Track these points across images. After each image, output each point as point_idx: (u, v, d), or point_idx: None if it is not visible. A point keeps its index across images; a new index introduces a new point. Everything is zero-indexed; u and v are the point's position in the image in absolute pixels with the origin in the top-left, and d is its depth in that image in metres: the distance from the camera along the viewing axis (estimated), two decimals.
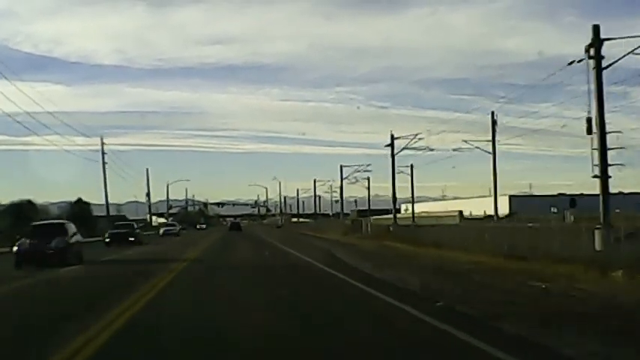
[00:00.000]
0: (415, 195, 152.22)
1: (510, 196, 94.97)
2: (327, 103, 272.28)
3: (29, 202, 60.31)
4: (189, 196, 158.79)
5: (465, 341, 8.23)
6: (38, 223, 28.98)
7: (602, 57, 20.20)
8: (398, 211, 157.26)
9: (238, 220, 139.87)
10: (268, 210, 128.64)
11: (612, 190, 21.14)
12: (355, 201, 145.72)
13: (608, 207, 20.54)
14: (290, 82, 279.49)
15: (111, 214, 79.91)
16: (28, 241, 24.09)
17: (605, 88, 20.43)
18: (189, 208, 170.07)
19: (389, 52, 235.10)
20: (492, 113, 41.47)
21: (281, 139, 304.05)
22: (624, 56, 20.26)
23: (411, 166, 69.16)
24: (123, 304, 12.25)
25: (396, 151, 48.97)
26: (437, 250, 26.06)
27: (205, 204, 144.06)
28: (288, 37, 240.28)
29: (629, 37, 20.55)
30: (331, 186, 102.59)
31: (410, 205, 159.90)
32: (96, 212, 75.27)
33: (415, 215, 74.04)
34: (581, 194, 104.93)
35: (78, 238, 27.07)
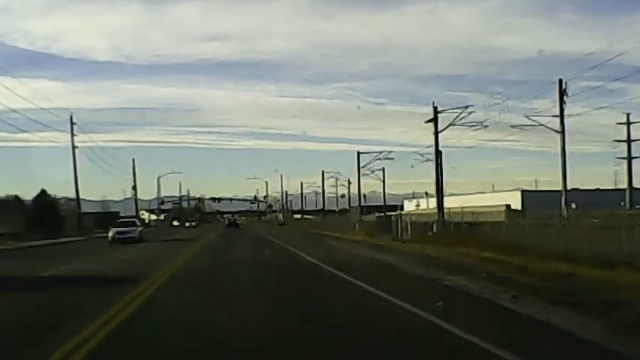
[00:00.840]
0: (414, 191, 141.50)
1: (522, 191, 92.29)
2: (324, 100, 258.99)
3: (16, 197, 60.78)
4: (186, 192, 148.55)
5: None
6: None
7: None
8: (401, 207, 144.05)
9: (236, 216, 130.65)
10: (270, 205, 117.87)
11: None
12: (364, 195, 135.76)
13: None
14: (287, 79, 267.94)
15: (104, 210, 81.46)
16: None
17: None
18: (185, 204, 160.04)
19: (386, 48, 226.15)
20: None
21: (278, 136, 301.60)
22: None
23: (439, 153, 58.05)
24: None
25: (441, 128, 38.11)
26: (577, 267, 15.37)
27: (200, 199, 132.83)
28: (285, 33, 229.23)
29: None
30: (337, 179, 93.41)
31: (416, 201, 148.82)
32: (91, 209, 74.60)
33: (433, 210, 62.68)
34: (598, 189, 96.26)
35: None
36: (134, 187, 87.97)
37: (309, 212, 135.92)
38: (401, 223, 41.32)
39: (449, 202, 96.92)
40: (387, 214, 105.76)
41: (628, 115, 63.75)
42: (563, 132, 33.79)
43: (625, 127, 64.43)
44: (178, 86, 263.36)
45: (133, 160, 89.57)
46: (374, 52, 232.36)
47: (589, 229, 20.18)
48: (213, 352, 7.88)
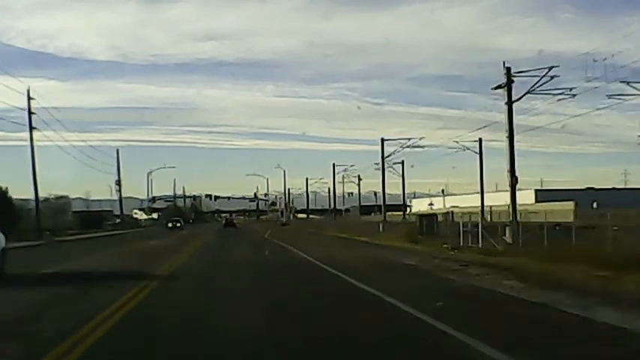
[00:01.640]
0: (416, 192, 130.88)
1: (536, 190, 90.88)
2: (321, 100, 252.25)
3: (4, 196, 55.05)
4: (180, 190, 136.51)
5: None
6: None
7: None
8: (406, 207, 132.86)
9: (233, 216, 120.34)
10: (273, 203, 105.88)
11: None
12: (375, 193, 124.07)
13: None
14: (285, 79, 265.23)
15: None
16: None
17: None
18: (181, 203, 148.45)
19: (384, 48, 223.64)
20: None
21: (276, 136, 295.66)
22: None
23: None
24: None
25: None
26: None
27: (195, 197, 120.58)
28: (283, 33, 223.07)
29: None
30: (344, 177, 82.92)
31: (429, 200, 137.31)
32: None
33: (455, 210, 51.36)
34: (614, 188, 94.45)
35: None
36: (118, 182, 76.11)
37: (312, 212, 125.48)
38: (462, 226, 29.42)
39: (464, 202, 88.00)
40: (389, 213, 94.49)
41: None
42: None
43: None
44: (176, 86, 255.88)
45: (117, 151, 77.95)
46: (372, 52, 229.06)
47: None
48: None
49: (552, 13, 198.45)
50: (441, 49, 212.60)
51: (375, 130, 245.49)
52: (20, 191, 60.86)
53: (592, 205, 61.27)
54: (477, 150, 52.84)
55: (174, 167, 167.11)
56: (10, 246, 17.87)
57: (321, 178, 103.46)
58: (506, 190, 30.37)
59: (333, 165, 79.42)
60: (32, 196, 49.34)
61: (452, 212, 39.35)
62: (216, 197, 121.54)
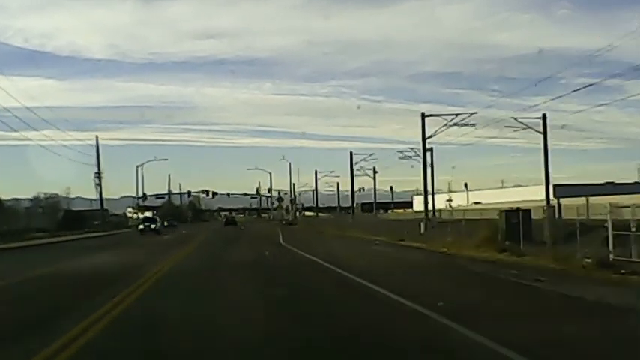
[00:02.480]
0: (417, 188, 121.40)
1: (554, 185, 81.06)
2: (320, 97, 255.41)
3: None
4: (176, 188, 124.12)
5: None
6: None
7: None
8: (410, 205, 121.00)
9: (234, 214, 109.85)
10: (280, 199, 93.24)
11: None
12: (392, 189, 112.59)
13: None
14: (283, 77, 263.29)
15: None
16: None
17: None
18: (177, 200, 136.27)
19: (382, 45, 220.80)
20: None
21: (275, 133, 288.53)
22: None
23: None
24: None
25: None
26: None
27: (190, 193, 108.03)
28: (281, 31, 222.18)
29: None
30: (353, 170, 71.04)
31: (448, 196, 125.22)
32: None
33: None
34: (635, 182, 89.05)
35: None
36: (98, 175, 63.87)
37: (320, 209, 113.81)
38: (610, 228, 17.36)
39: (492, 198, 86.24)
40: (396, 211, 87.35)
41: None
42: None
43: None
44: (175, 84, 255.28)
45: (96, 137, 65.66)
46: (370, 50, 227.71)
47: None
48: None
49: (550, 10, 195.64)
50: (439, 46, 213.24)
51: (374, 128, 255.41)
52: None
53: None
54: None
55: (166, 159, 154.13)
56: None
57: (332, 171, 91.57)
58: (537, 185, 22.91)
59: (351, 154, 67.15)
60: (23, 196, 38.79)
61: (554, 207, 27.20)
62: (214, 194, 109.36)
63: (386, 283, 13.74)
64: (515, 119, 40.84)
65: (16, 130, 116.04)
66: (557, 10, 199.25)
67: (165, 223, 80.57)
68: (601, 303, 10.75)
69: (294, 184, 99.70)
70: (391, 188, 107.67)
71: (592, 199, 40.14)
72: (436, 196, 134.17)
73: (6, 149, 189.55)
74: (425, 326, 8.76)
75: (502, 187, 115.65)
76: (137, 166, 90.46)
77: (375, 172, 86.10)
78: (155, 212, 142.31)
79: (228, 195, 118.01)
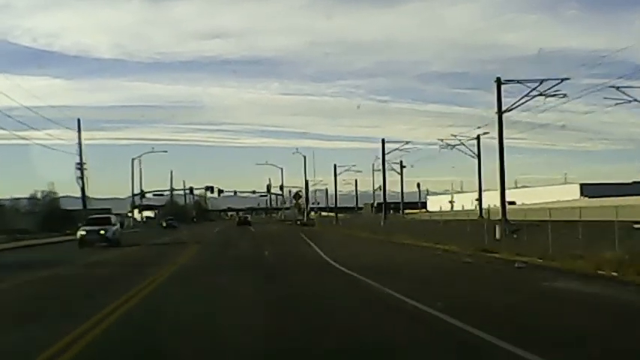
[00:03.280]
0: (427, 189, 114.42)
1: (582, 184, 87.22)
2: (327, 97, 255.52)
3: None
4: (185, 185, 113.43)
5: None
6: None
7: None
8: (424, 205, 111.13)
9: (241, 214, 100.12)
10: (298, 195, 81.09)
11: None
12: (420, 186, 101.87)
13: None
14: (290, 77, 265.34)
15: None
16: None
17: None
18: (180, 199, 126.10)
19: (388, 46, 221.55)
20: None
21: (281, 133, 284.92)
22: None
23: None
24: None
25: None
26: None
27: (192, 189, 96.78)
28: (287, 31, 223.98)
29: None
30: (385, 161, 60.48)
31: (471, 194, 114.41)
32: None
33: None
34: None
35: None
36: (79, 166, 53.05)
37: (331, 210, 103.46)
38: None
39: (514, 198, 79.37)
40: (407, 212, 78.53)
41: None
42: None
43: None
44: (181, 84, 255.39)
45: (79, 121, 54.92)
46: (377, 50, 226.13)
47: None
48: None
49: (556, 10, 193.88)
50: (445, 47, 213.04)
51: (380, 128, 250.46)
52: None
53: None
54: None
55: (165, 152, 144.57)
56: None
57: (353, 165, 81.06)
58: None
59: (383, 143, 56.14)
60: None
61: None
62: (220, 191, 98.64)
63: None
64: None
65: (22, 129, 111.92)
66: (564, 10, 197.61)
67: (164, 224, 70.86)
68: None
69: (307, 181, 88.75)
70: (418, 185, 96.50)
71: None
72: (460, 195, 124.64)
73: (13, 148, 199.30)
74: None
75: (518, 187, 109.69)
76: (132, 159, 79.84)
77: (402, 167, 75.38)
78: (158, 212, 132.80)
79: (235, 193, 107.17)
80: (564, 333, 8.19)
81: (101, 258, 25.32)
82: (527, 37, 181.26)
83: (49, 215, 68.45)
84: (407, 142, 56.15)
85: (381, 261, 21.91)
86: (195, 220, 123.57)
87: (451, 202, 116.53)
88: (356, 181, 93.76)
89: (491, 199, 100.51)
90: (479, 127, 44.32)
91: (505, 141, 32.44)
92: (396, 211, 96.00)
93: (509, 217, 33.93)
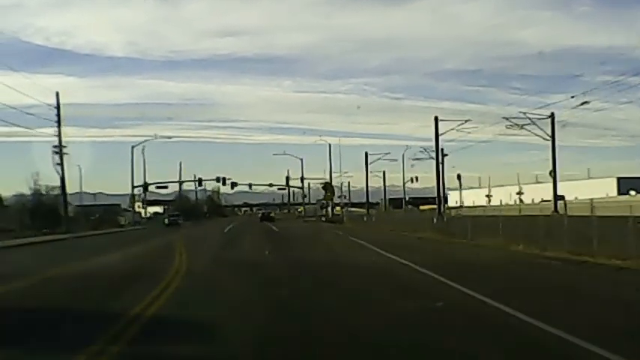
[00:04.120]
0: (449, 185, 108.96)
1: (619, 179, 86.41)
2: (340, 95, 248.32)
3: None
4: (196, 177, 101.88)
5: None
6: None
7: None
8: (445, 200, 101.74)
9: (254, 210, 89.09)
10: (328, 185, 67.35)
11: None
12: (427, 184, 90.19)
13: None
14: (303, 74, 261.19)
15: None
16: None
17: None
18: (194, 195, 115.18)
19: (402, 43, 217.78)
20: None
21: (295, 131, 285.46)
22: None
23: None
24: None
25: None
26: None
27: (200, 181, 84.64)
28: (301, 28, 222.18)
29: None
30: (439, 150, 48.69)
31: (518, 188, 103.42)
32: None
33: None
34: None
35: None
36: (58, 150, 41.64)
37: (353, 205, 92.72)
38: None
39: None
40: (421, 208, 73.94)
41: None
42: None
43: None
44: (194, 82, 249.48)
45: (57, 94, 43.42)
46: (390, 47, 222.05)
47: None
48: None
49: (570, 7, 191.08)
50: (459, 44, 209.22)
51: (394, 125, 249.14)
52: None
53: None
54: None
55: (169, 138, 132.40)
56: None
57: (387, 153, 69.03)
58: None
59: (436, 119, 44.22)
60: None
61: None
62: (234, 184, 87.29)
63: None
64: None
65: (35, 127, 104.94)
66: (578, 7, 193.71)
67: (166, 221, 59.49)
68: None
69: (331, 172, 76.83)
70: (458, 176, 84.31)
71: None
72: (468, 192, 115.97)
73: (23, 145, 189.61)
74: None
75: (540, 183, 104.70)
76: (132, 147, 68.46)
77: (444, 156, 63.58)
78: (167, 207, 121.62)
79: (250, 186, 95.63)
80: None
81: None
82: (541, 34, 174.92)
83: (34, 212, 58.43)
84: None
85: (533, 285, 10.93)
86: (208, 215, 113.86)
87: (489, 195, 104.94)
88: (384, 173, 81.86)
89: (529, 194, 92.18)
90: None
91: (510, 138, 28.60)
92: (414, 207, 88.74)
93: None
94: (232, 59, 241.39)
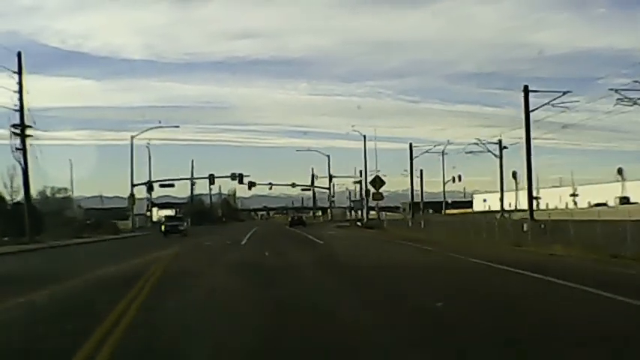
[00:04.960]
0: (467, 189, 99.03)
1: None
2: (355, 97, 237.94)
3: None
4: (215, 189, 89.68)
5: None
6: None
7: None
8: (470, 204, 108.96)
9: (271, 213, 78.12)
10: (379, 182, 52.72)
11: None
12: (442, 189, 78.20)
13: None
14: (318, 77, 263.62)
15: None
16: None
17: None
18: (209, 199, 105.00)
19: (418, 45, 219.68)
20: None
21: (311, 134, 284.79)
22: None
23: None
24: None
25: None
26: None
27: (212, 177, 71.03)
28: (316, 30, 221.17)
29: None
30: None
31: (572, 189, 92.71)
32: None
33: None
34: None
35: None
36: (21, 137, 29.98)
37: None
38: None
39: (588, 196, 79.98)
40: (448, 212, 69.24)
41: None
42: None
43: None
44: (210, 84, 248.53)
45: (19, 55, 31.67)
46: (405, 49, 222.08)
47: None
48: None
49: (586, 9, 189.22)
50: (474, 46, 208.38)
51: (410, 128, 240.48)
52: None
53: None
54: None
55: (177, 127, 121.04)
56: None
57: (435, 145, 56.81)
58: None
59: (526, 97, 31.99)
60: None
61: None
62: (252, 184, 75.33)
63: None
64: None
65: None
66: (594, 9, 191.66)
67: (163, 228, 44.27)
68: None
69: (366, 169, 64.54)
70: (514, 174, 71.56)
71: None
72: (506, 194, 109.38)
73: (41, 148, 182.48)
74: None
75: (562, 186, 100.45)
76: (132, 136, 56.80)
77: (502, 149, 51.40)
78: (178, 211, 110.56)
79: (270, 186, 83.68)
80: None
81: None
82: (557, 36, 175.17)
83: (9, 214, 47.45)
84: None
85: None
86: (224, 219, 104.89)
87: (537, 197, 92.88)
88: (421, 172, 69.61)
89: (548, 198, 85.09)
90: None
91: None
92: (435, 211, 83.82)
93: None
94: (248, 61, 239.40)
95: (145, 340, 7.24)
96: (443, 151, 66.25)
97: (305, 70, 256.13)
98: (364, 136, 61.10)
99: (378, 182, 44.06)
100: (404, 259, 20.48)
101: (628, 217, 23.46)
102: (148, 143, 67.96)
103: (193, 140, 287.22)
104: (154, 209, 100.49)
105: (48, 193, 58.69)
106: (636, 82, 33.13)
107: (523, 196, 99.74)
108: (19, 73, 31.35)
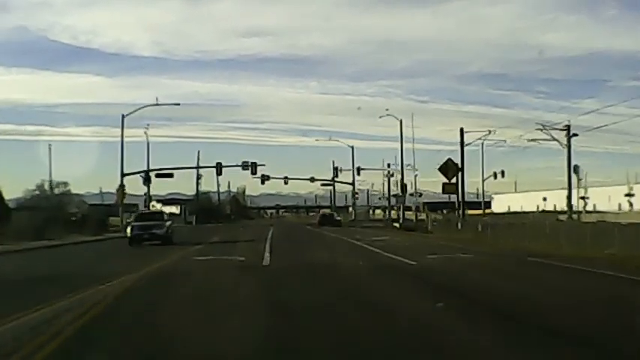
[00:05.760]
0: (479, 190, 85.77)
1: None
2: (365, 97, 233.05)
3: None
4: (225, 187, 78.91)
5: None
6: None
7: None
8: (488, 205, 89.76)
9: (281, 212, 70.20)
10: (454, 169, 40.66)
11: None
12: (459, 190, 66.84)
13: None
14: (328, 76, 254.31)
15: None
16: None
17: None
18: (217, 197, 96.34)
19: (428, 45, 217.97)
20: None
21: (320, 133, 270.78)
22: None
23: None
24: None
25: None
26: None
27: (220, 167, 58.82)
28: (327, 30, 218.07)
29: None
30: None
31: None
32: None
33: None
34: None
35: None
36: None
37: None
38: None
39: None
40: (470, 212, 55.24)
41: None
42: None
43: None
44: (220, 82, 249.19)
45: None
46: (416, 50, 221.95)
47: None
48: None
49: (597, 11, 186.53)
50: (485, 47, 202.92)
51: (419, 129, 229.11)
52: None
53: None
54: None
55: (178, 104, 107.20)
56: None
57: (490, 132, 45.97)
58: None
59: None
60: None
61: None
62: (266, 177, 64.90)
63: None
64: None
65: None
66: (606, 10, 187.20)
67: (129, 233, 31.49)
68: None
69: (402, 160, 53.73)
70: (575, 168, 60.58)
71: None
72: (515, 195, 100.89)
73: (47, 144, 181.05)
74: None
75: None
76: (123, 115, 46.35)
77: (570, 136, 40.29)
78: (184, 207, 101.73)
79: (285, 180, 72.86)
80: None
81: None
82: (568, 38, 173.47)
83: None
84: None
85: None
86: (232, 217, 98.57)
87: (630, 194, 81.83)
88: (460, 168, 58.77)
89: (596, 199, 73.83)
90: None
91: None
92: (452, 212, 71.39)
93: None
94: (258, 59, 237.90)
95: None
96: (482, 144, 55.36)
97: (315, 69, 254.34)
98: (400, 120, 50.51)
99: (451, 168, 32.65)
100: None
101: None
102: (147, 126, 58.52)
103: (202, 138, 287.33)
104: (158, 205, 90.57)
105: (46, 187, 54.34)
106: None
107: (574, 195, 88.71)
108: None
